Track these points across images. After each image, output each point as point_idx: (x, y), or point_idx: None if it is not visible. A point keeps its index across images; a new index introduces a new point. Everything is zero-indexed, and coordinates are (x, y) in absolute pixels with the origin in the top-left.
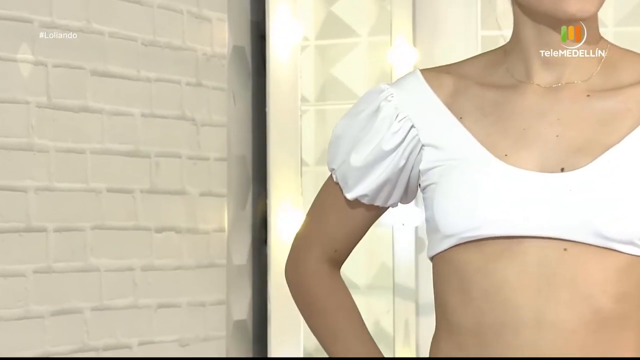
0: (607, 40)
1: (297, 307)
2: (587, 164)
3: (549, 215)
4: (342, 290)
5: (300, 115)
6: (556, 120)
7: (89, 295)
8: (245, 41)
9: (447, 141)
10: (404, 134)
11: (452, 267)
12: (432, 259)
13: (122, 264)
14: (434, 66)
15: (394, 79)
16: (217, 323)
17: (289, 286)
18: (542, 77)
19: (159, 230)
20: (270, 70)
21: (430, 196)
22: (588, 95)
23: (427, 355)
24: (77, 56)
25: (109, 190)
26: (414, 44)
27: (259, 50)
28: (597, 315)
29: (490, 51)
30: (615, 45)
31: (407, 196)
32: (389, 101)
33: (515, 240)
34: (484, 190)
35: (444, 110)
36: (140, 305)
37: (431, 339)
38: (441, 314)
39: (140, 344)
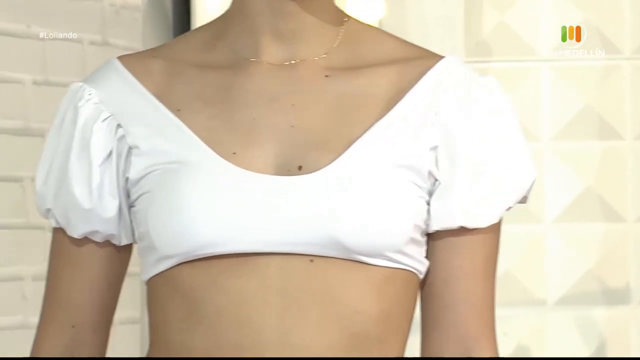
0: (344, 12)
1: None
2: (329, 163)
3: (287, 228)
4: None
5: None
6: (290, 107)
7: None
8: None
9: (162, 141)
10: (113, 137)
11: (175, 287)
12: (147, 281)
13: (7, 272)
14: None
15: None
16: (128, 346)
17: None
18: (272, 53)
19: None
20: (197, 24)
21: (143, 209)
22: (327, 76)
23: None
24: None
25: None
26: None
27: (181, 0)
28: (352, 339)
29: (208, 24)
30: (354, 18)
31: None
32: (88, 100)
33: (252, 255)
34: (209, 201)
35: (155, 103)
36: (32, 325)
37: None
38: (160, 334)
39: None
